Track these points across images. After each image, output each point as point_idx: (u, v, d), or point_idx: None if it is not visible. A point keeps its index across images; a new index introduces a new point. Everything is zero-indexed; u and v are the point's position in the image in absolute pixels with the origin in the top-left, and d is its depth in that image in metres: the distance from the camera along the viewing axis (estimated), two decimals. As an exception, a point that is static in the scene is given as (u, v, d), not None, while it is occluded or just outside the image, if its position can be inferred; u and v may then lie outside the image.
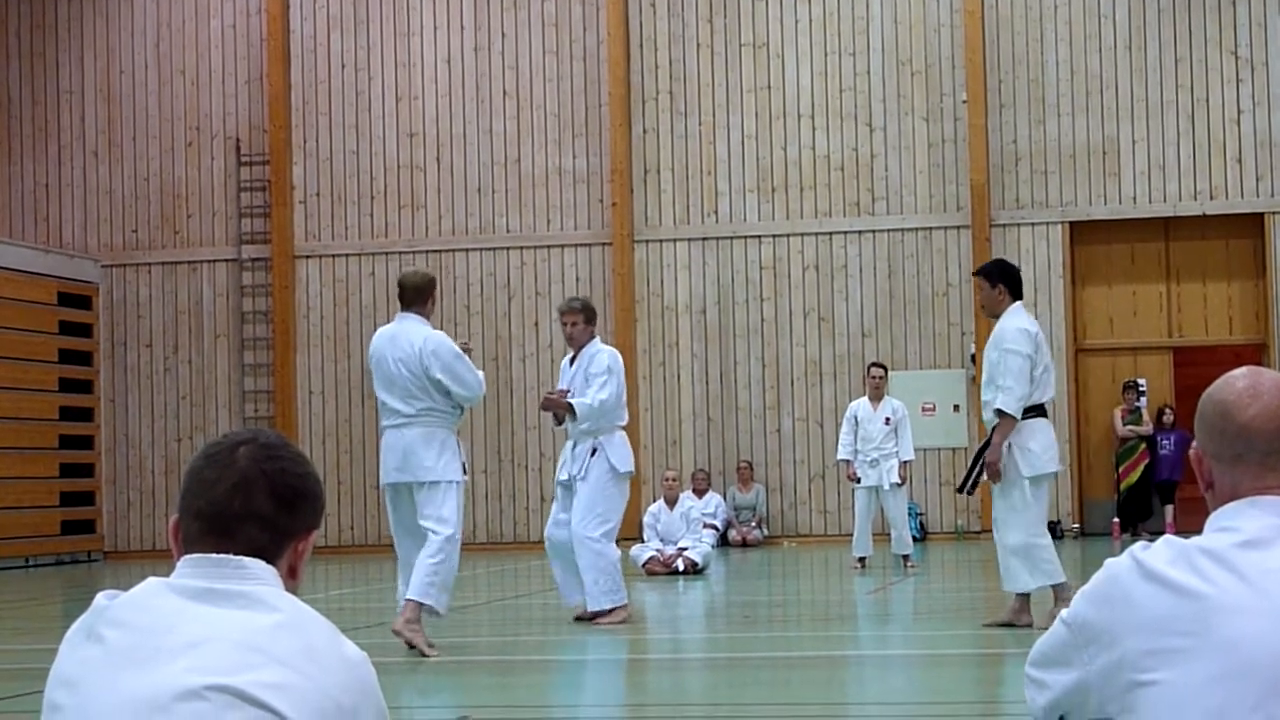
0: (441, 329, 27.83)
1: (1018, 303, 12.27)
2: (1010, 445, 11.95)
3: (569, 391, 13.53)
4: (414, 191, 27.64)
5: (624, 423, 13.80)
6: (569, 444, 13.77)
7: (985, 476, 12.11)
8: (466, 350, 12.00)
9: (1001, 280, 12.29)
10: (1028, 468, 11.94)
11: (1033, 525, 11.99)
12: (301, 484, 3.17)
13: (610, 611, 13.40)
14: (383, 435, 11.95)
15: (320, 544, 26.05)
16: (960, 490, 12.75)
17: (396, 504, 11.88)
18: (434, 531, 11.52)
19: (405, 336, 11.76)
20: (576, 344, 13.80)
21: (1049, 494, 12.33)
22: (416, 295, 11.94)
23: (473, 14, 27.60)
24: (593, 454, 13.51)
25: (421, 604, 11.35)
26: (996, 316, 12.29)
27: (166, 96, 28.30)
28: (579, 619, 13.57)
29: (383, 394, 11.84)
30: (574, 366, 13.75)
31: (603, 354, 13.69)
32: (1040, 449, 12.03)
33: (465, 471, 11.88)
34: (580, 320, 13.76)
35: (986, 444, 12.22)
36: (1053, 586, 12.00)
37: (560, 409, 13.57)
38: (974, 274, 12.90)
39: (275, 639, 2.97)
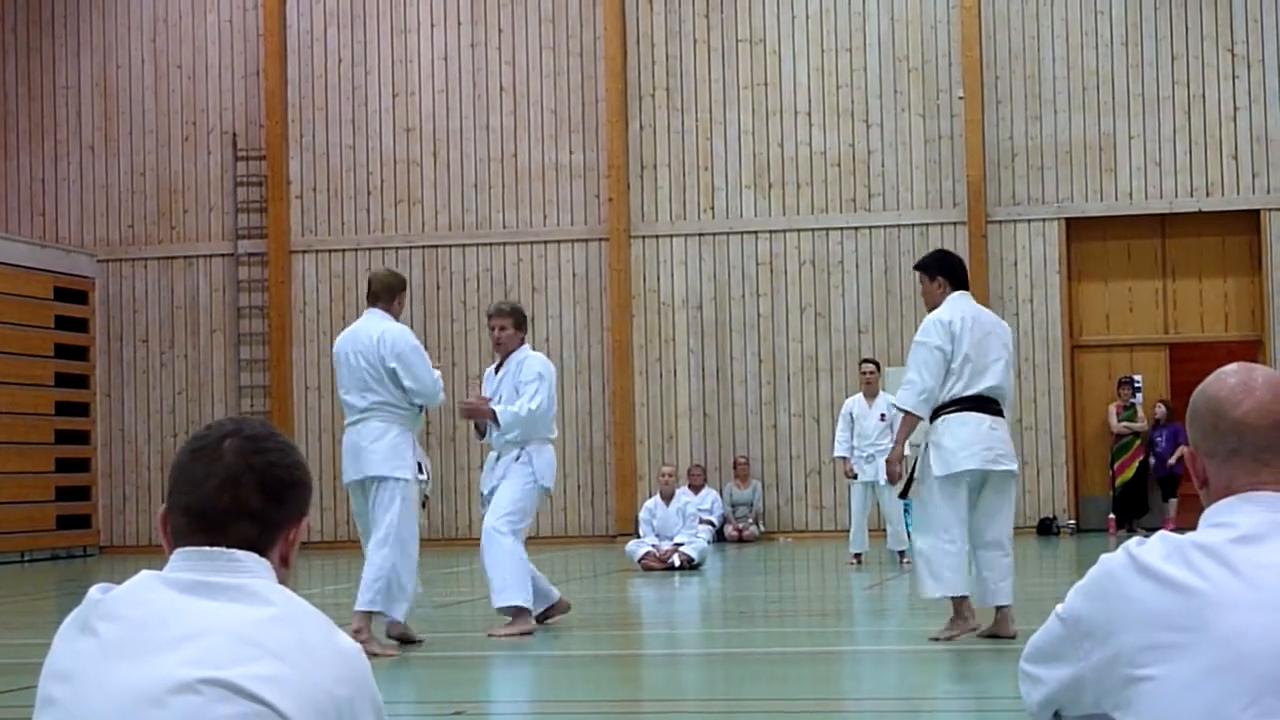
0: (438, 324, 27.72)
1: (958, 293, 11.44)
2: (926, 441, 11.23)
3: (491, 399, 12.70)
4: (411, 187, 27.63)
5: (553, 436, 12.84)
6: (492, 455, 12.89)
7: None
8: (480, 414, 12.01)
9: (941, 272, 11.55)
10: (939, 465, 11.07)
11: (941, 529, 11.10)
12: (289, 475, 3.16)
13: (517, 614, 12.30)
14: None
15: (316, 538, 26.06)
16: (902, 496, 12.25)
17: (358, 502, 11.75)
18: (377, 533, 11.32)
19: (365, 329, 11.68)
20: (504, 350, 12.91)
21: (970, 496, 11.18)
22: (385, 292, 11.80)
23: (470, 9, 27.58)
24: (516, 460, 12.62)
25: (369, 613, 11.27)
26: (935, 309, 11.46)
27: (163, 91, 28.28)
28: (539, 619, 12.82)
29: (342, 391, 11.68)
30: (499, 374, 12.89)
31: (533, 360, 12.82)
32: (957, 445, 11.07)
33: (423, 472, 11.59)
34: (509, 325, 12.88)
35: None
36: (951, 599, 11.17)
37: (482, 416, 12.67)
38: (914, 268, 12.20)
39: (269, 632, 2.97)
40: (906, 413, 11.27)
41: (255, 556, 3.09)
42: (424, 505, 12.18)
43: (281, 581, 3.11)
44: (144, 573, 3.10)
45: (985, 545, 11.23)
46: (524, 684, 10.53)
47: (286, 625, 2.99)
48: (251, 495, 3.10)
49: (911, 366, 11.27)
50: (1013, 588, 11.29)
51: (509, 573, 12.27)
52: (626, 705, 9.67)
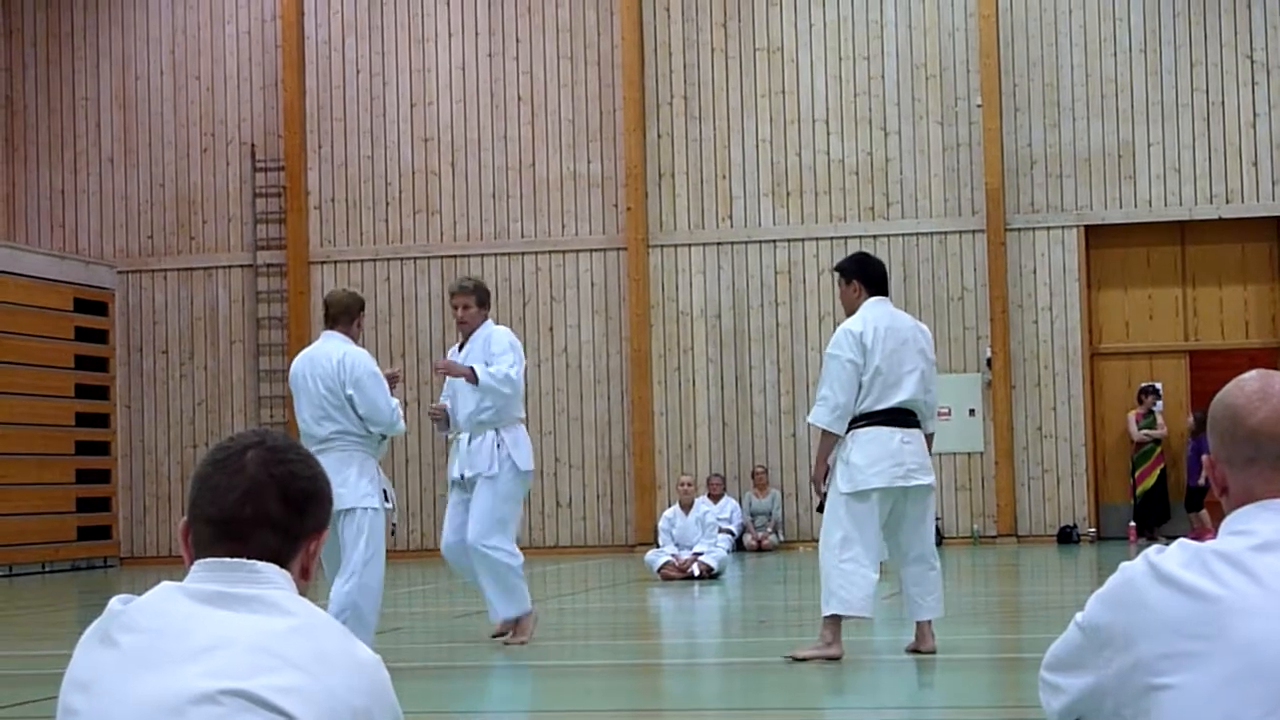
0: (457, 335, 27.80)
1: (875, 299, 10.97)
2: (836, 457, 10.86)
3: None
4: (429, 197, 27.66)
5: (523, 416, 12.43)
6: (463, 437, 12.31)
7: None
8: (393, 379, 11.46)
9: (858, 276, 11.02)
10: (844, 482, 10.75)
11: (838, 545, 10.80)
12: (311, 486, 3.17)
13: (518, 623, 12.13)
14: None
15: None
16: (819, 509, 11.76)
17: None
18: (347, 565, 10.90)
19: (324, 353, 11.18)
20: (468, 330, 12.40)
21: (883, 513, 10.90)
22: (343, 313, 11.35)
23: (487, 20, 27.61)
24: (497, 449, 12.13)
25: None
26: (853, 314, 11.00)
27: (182, 103, 28.34)
28: (498, 635, 12.52)
29: (299, 417, 11.22)
30: (464, 353, 12.35)
31: (499, 332, 12.32)
32: (865, 462, 10.70)
33: (388, 499, 11.15)
34: (472, 303, 12.35)
35: None
36: (830, 615, 10.84)
37: (459, 374, 12.14)
38: (833, 270, 11.69)
39: (288, 643, 2.97)
40: (822, 429, 10.87)
41: (276, 568, 3.10)
42: (392, 532, 11.91)
43: (301, 593, 3.12)
44: (164, 584, 3.11)
45: (911, 561, 11.01)
46: (543, 694, 10.53)
47: (306, 636, 3.00)
48: (273, 506, 3.11)
49: (824, 381, 10.88)
50: (941, 600, 11.06)
51: (505, 585, 11.99)
52: (646, 715, 9.67)
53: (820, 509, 11.35)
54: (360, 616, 10.74)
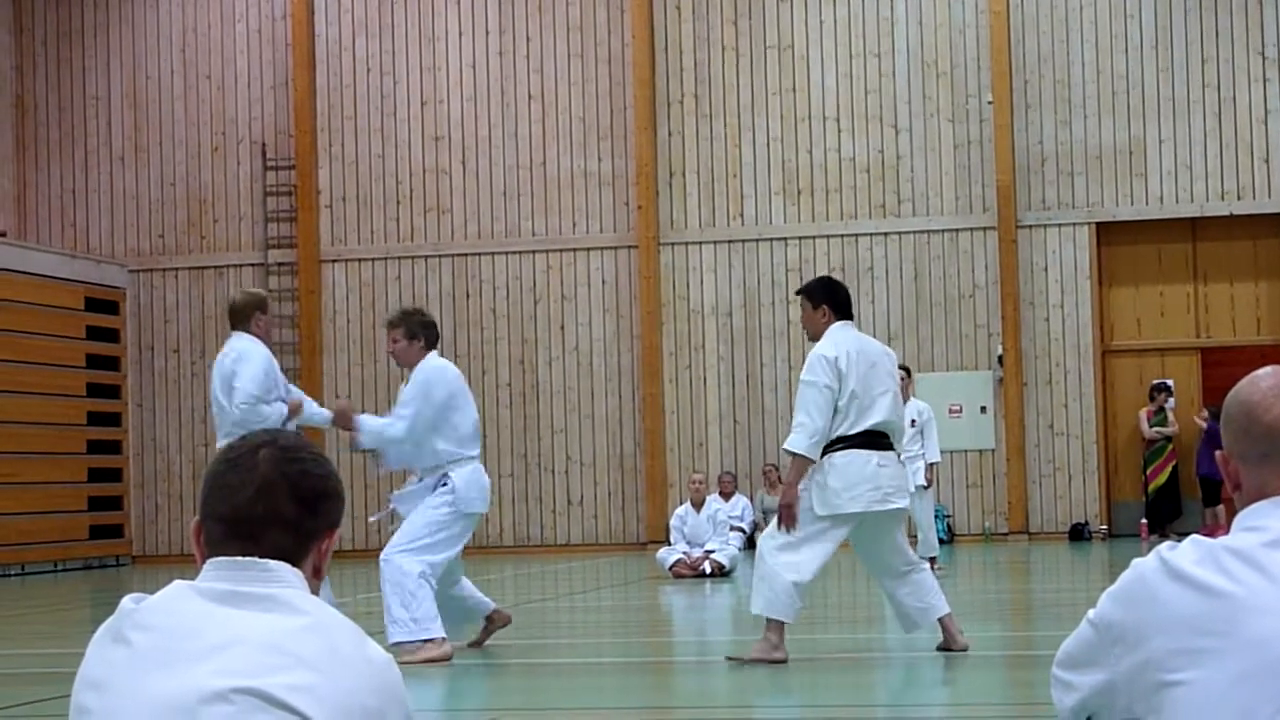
0: (467, 332, 27.78)
1: (840, 323, 10.88)
2: (811, 478, 10.65)
3: (352, 408, 11.98)
4: (439, 195, 27.67)
5: (473, 452, 11.67)
6: (414, 477, 11.91)
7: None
8: (346, 421, 11.46)
9: (826, 300, 10.92)
10: (820, 505, 10.56)
11: (789, 551, 10.57)
12: (323, 485, 3.17)
13: (422, 645, 11.21)
14: None
15: (347, 547, 26.08)
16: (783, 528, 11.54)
17: None
18: None
19: (221, 353, 11.52)
20: (402, 364, 11.82)
21: (854, 534, 10.72)
22: (238, 316, 11.50)
23: (497, 18, 27.62)
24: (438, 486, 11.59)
25: None
26: (816, 340, 10.89)
27: (192, 102, 28.37)
28: (474, 645, 12.03)
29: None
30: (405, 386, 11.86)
31: (421, 373, 11.61)
32: (842, 486, 10.55)
33: None
34: (400, 335, 11.68)
35: None
36: (767, 621, 10.64)
37: (342, 423, 11.77)
38: (796, 293, 11.45)
39: (301, 641, 2.97)
40: (797, 455, 10.64)
41: (288, 567, 3.10)
42: (377, 531, 11.77)
43: (313, 592, 3.12)
44: (177, 582, 3.11)
45: (900, 575, 10.86)
46: (555, 691, 10.53)
47: (318, 635, 3.00)
48: (285, 504, 3.11)
49: (800, 408, 10.70)
50: (942, 594, 10.94)
51: (398, 604, 11.21)
52: (658, 712, 9.67)
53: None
54: None
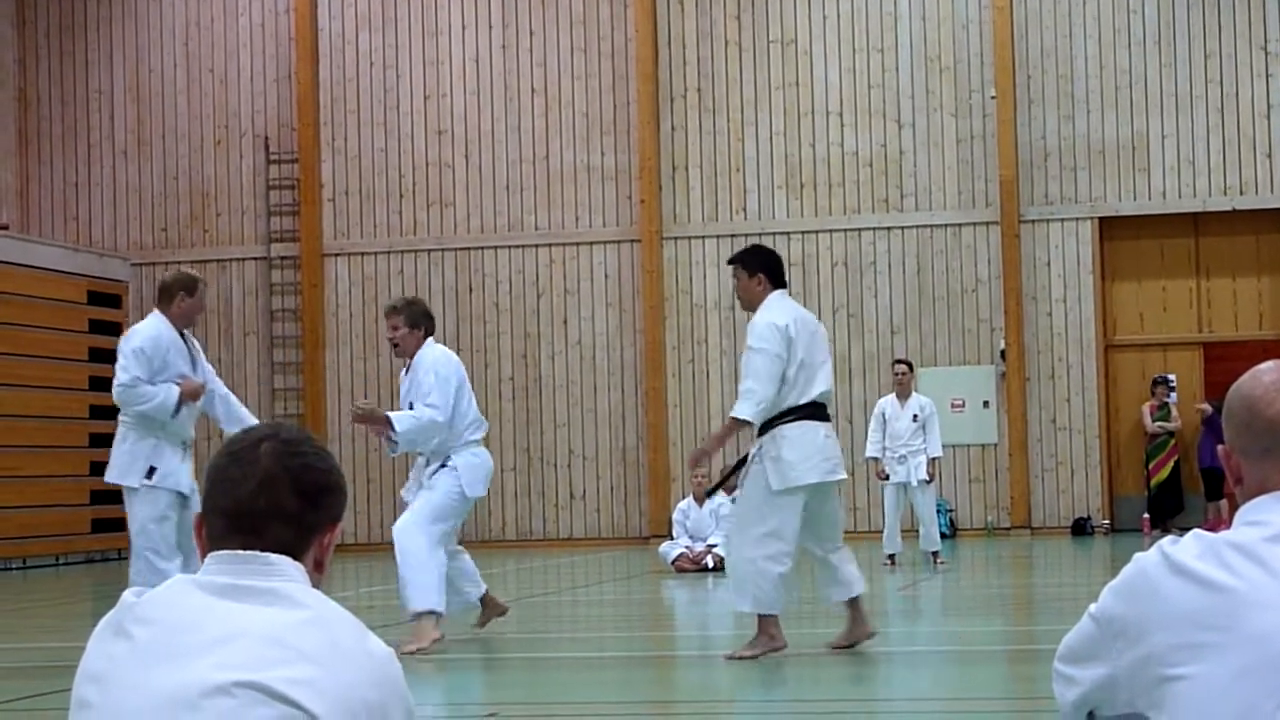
0: (470, 326, 27.72)
1: (777, 292, 10.86)
2: (763, 453, 10.62)
3: (403, 406, 11.80)
4: (442, 189, 27.67)
5: (477, 437, 11.86)
6: (420, 460, 12.00)
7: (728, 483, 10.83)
8: (376, 421, 11.51)
9: (762, 269, 10.85)
10: (777, 479, 10.48)
11: (762, 542, 10.49)
12: (325, 479, 3.17)
13: (422, 620, 11.32)
14: None
15: (349, 541, 26.10)
16: (709, 494, 11.54)
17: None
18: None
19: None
20: (402, 353, 11.86)
21: (802, 508, 10.65)
22: (162, 293, 11.48)
23: (500, 12, 27.61)
24: (443, 467, 11.74)
25: None
26: (753, 309, 10.87)
27: (195, 95, 28.37)
28: (480, 626, 12.34)
29: None
30: (407, 377, 11.89)
31: (429, 360, 11.70)
32: (797, 458, 10.50)
33: (150, 478, 11.13)
34: (401, 323, 11.75)
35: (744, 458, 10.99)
36: (759, 616, 10.58)
37: (375, 424, 11.73)
38: (729, 262, 11.34)
39: (302, 635, 2.97)
40: (737, 420, 10.69)
41: (289, 560, 3.10)
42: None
43: (315, 586, 3.12)
44: (178, 576, 3.11)
45: (834, 550, 10.89)
46: (557, 686, 10.53)
47: (319, 628, 3.00)
48: (288, 498, 3.11)
49: (750, 374, 10.66)
50: (861, 579, 10.98)
51: (416, 575, 11.33)
52: (660, 706, 9.67)
53: (710, 494, 11.31)
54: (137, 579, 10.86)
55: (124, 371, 11.20)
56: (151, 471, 11.16)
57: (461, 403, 11.72)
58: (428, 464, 11.85)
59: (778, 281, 10.93)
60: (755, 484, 10.63)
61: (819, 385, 10.73)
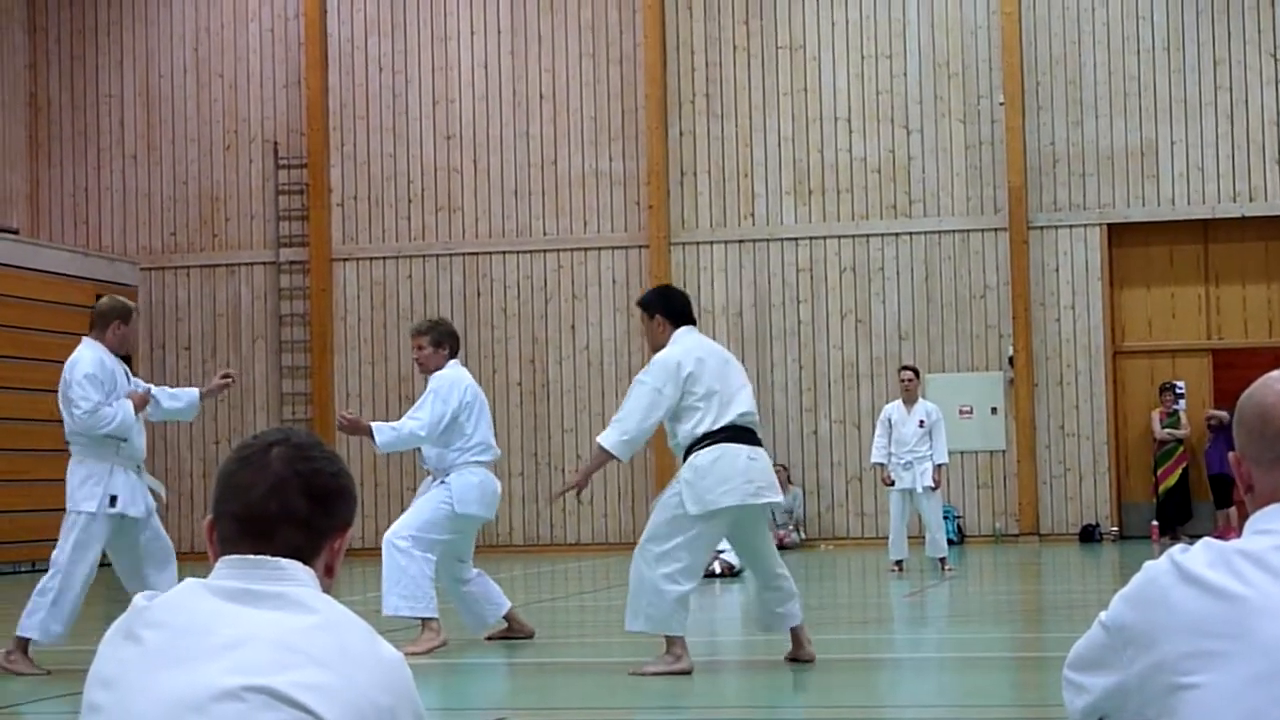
0: (478, 331, 27.74)
1: (681, 329, 10.80)
2: (681, 478, 10.55)
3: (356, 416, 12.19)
4: (451, 194, 27.69)
5: (481, 459, 12.08)
6: (428, 479, 12.28)
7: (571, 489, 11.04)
8: (225, 382, 11.88)
9: (661, 310, 10.86)
10: (693, 503, 10.41)
11: (666, 562, 10.49)
12: (335, 483, 3.18)
13: (422, 625, 11.69)
14: None
15: (358, 546, 26.09)
16: (554, 497, 11.94)
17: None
18: (54, 561, 11.28)
19: (67, 361, 11.55)
20: (425, 370, 12.14)
21: (721, 534, 10.76)
22: (97, 320, 11.60)
23: (509, 18, 27.63)
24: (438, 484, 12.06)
25: (23, 639, 11.13)
26: (658, 349, 10.82)
27: (205, 100, 28.40)
28: (490, 638, 12.51)
29: None
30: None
31: (435, 379, 11.99)
32: (714, 481, 10.37)
33: (113, 505, 11.19)
34: (426, 343, 12.10)
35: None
36: (666, 636, 10.55)
37: (357, 431, 12.00)
38: (637, 304, 11.45)
39: (312, 640, 2.98)
40: (603, 448, 10.73)
41: (300, 565, 3.10)
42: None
43: (326, 590, 3.13)
44: (189, 580, 3.12)
45: (773, 577, 10.78)
46: (565, 691, 10.53)
47: (329, 633, 3.00)
48: (298, 502, 3.12)
49: (625, 405, 10.74)
50: (799, 606, 10.83)
51: (401, 584, 11.59)
52: (668, 713, 9.67)
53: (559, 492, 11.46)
54: (55, 599, 11.23)
55: (84, 400, 11.23)
56: (114, 500, 11.23)
57: (465, 424, 11.97)
58: (434, 480, 12.08)
59: (679, 320, 10.88)
60: (666, 505, 10.62)
61: (736, 408, 10.59)
